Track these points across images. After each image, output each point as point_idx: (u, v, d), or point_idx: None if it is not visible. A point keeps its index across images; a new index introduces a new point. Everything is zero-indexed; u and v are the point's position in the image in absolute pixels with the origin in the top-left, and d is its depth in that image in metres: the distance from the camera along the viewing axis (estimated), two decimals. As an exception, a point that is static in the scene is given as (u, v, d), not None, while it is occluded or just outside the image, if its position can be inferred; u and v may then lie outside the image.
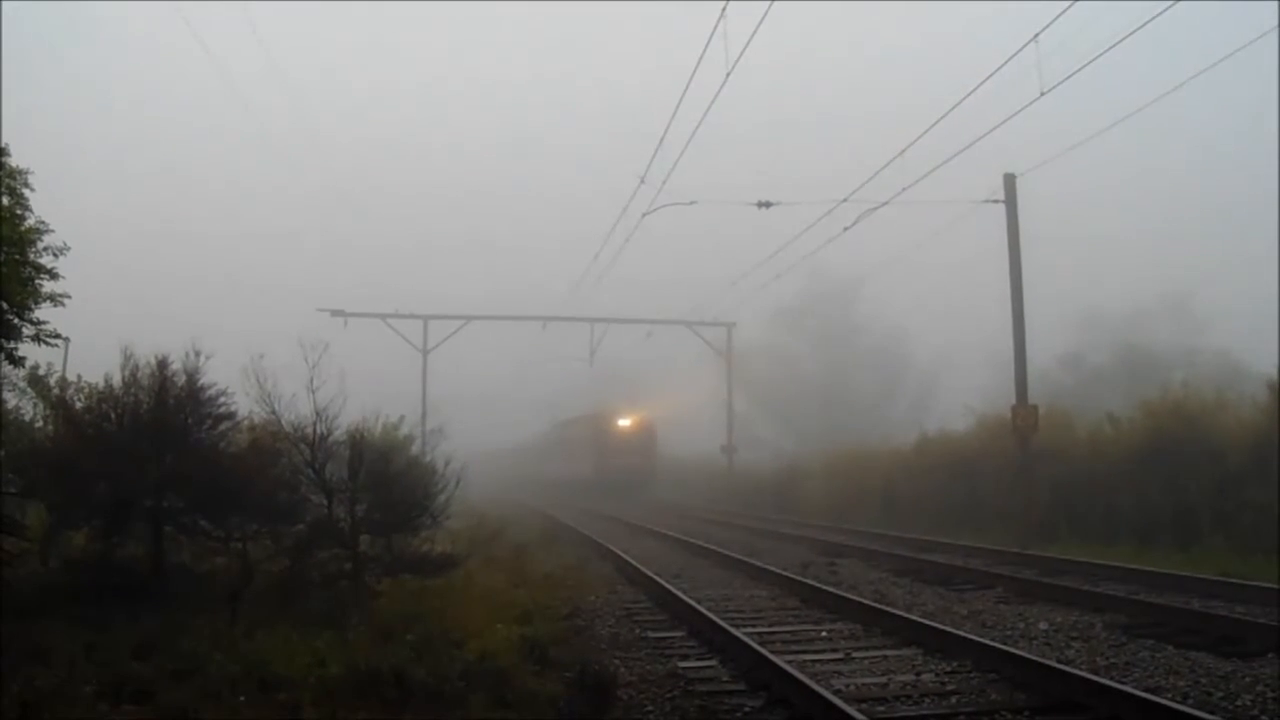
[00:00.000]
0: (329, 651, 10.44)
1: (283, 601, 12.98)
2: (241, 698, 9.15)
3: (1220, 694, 9.97)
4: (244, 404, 15.09)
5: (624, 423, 62.85)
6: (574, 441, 67.72)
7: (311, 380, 14.81)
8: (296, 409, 14.93)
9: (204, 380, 14.82)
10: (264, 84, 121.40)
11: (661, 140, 25.35)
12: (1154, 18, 18.22)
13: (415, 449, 18.32)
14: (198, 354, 14.77)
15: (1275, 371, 23.01)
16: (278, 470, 14.77)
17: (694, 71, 20.73)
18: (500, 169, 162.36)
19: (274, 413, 14.95)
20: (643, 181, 27.79)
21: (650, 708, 10.02)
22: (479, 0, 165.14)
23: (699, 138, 24.07)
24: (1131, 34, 18.61)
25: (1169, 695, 9.77)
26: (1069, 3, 18.34)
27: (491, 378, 78.51)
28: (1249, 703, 9.65)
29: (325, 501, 14.73)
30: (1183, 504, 23.38)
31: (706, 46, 19.50)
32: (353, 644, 10.94)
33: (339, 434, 15.19)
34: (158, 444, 14.17)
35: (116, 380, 14.75)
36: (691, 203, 29.78)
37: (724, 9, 18.97)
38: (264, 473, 14.42)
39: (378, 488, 15.02)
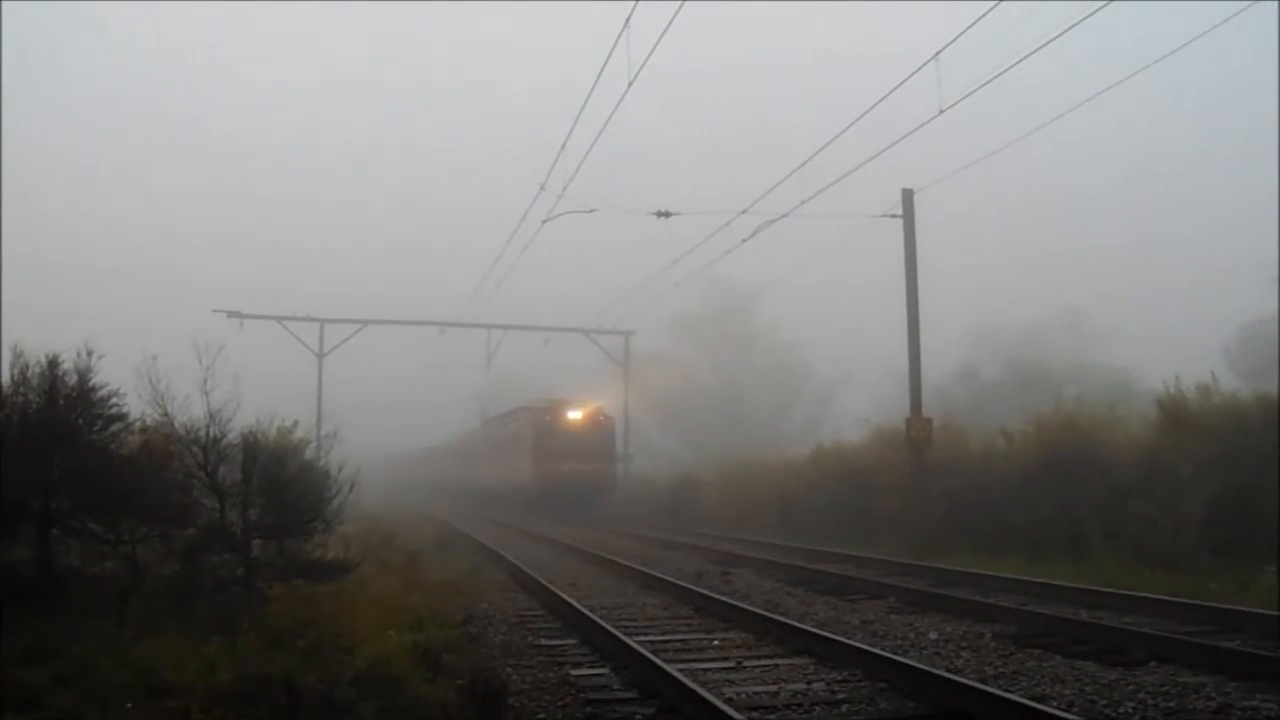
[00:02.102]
0: (219, 657, 10.36)
1: (173, 606, 12.86)
2: (129, 704, 9.06)
3: (1104, 701, 10.17)
4: (136, 405, 14.95)
5: (573, 416, 50.57)
6: (504, 442, 56.56)
7: (205, 382, 14.72)
8: (190, 411, 14.83)
9: (96, 380, 14.66)
10: (162, 78, 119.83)
11: (562, 148, 25.36)
12: (1051, 40, 18.62)
13: (310, 453, 18.15)
14: (90, 353, 14.61)
15: (1164, 388, 23.45)
16: (170, 473, 14.64)
17: (596, 80, 20.79)
18: (399, 174, 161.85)
19: (167, 414, 14.84)
20: (543, 189, 27.75)
21: (542, 715, 10.04)
22: (385, 1, 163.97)
23: (600, 147, 24.13)
24: (1029, 55, 18.97)
25: (1054, 703, 9.95)
26: (969, 23, 18.65)
27: (391, 383, 77.82)
28: (1131, 710, 9.85)
29: (218, 505, 14.64)
30: (1073, 517, 23.73)
31: (609, 56, 19.58)
32: (243, 650, 10.87)
33: (233, 437, 15.09)
34: (47, 445, 13.98)
35: (5, 380, 14.53)
36: (591, 210, 29.78)
37: (628, 19, 19.06)
38: (156, 475, 14.30)
39: (271, 492, 14.95)
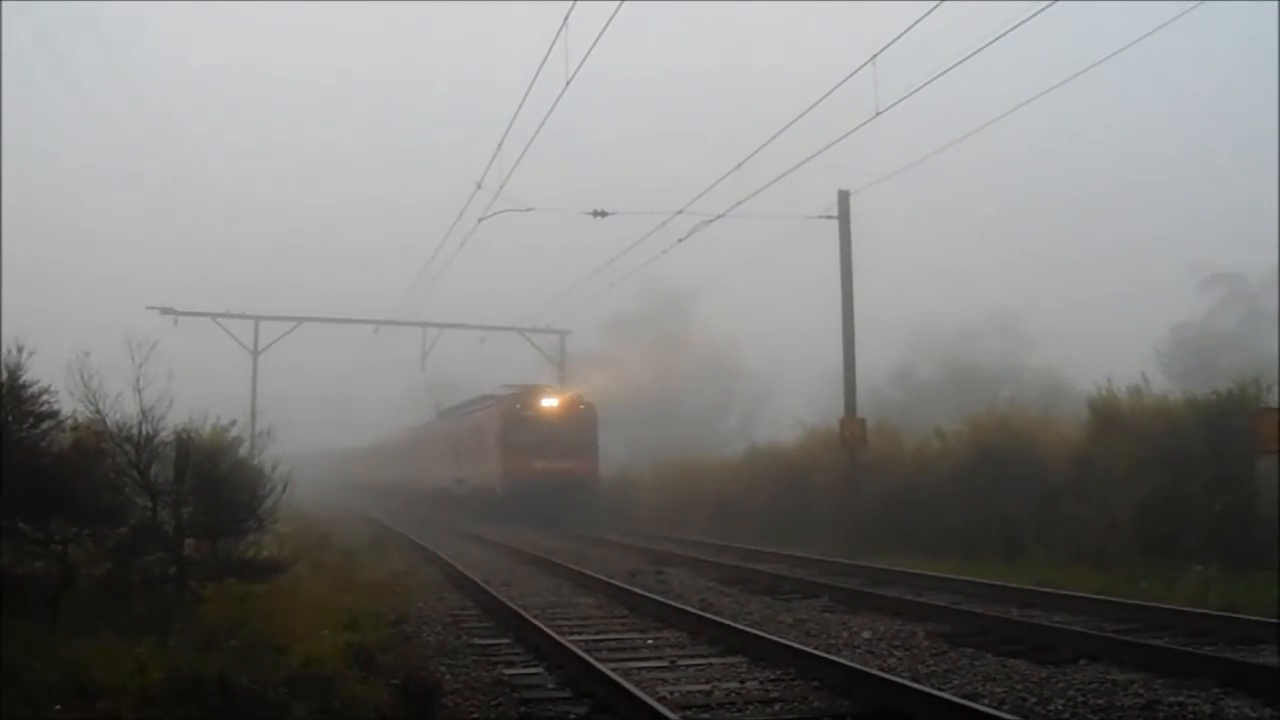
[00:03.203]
0: (151, 657, 10.26)
1: (105, 606, 12.73)
2: (58, 707, 8.97)
3: (1035, 699, 10.30)
4: (68, 403, 14.77)
5: (549, 404, 44.48)
6: (464, 436, 50.82)
7: (138, 379, 14.57)
8: (122, 409, 14.67)
9: (26, 377, 14.48)
10: (89, 63, 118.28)
11: (499, 146, 25.29)
12: (986, 45, 18.77)
13: (244, 451, 18.02)
14: (20, 350, 14.42)
15: (1097, 390, 23.71)
16: (101, 471, 14.48)
17: (533, 79, 20.75)
18: (335, 170, 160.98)
19: (99, 412, 14.65)
20: (479, 187, 27.64)
21: (475, 715, 10.06)
22: (320, 1, 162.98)
23: (538, 146, 24.08)
24: (966, 59, 19.12)
25: (986, 701, 10.08)
26: (906, 27, 18.76)
27: (326, 381, 77.27)
28: (1061, 707, 9.99)
29: (150, 504, 14.48)
30: (1006, 516, 23.96)
31: (547, 55, 19.56)
32: (175, 650, 10.78)
33: (166, 435, 14.96)
34: (-26, 443, 13.80)
35: (-69, 376, 14.33)
36: (528, 209, 29.70)
37: (566, 19, 19.05)
38: (87, 474, 14.12)
39: (204, 490, 14.81)
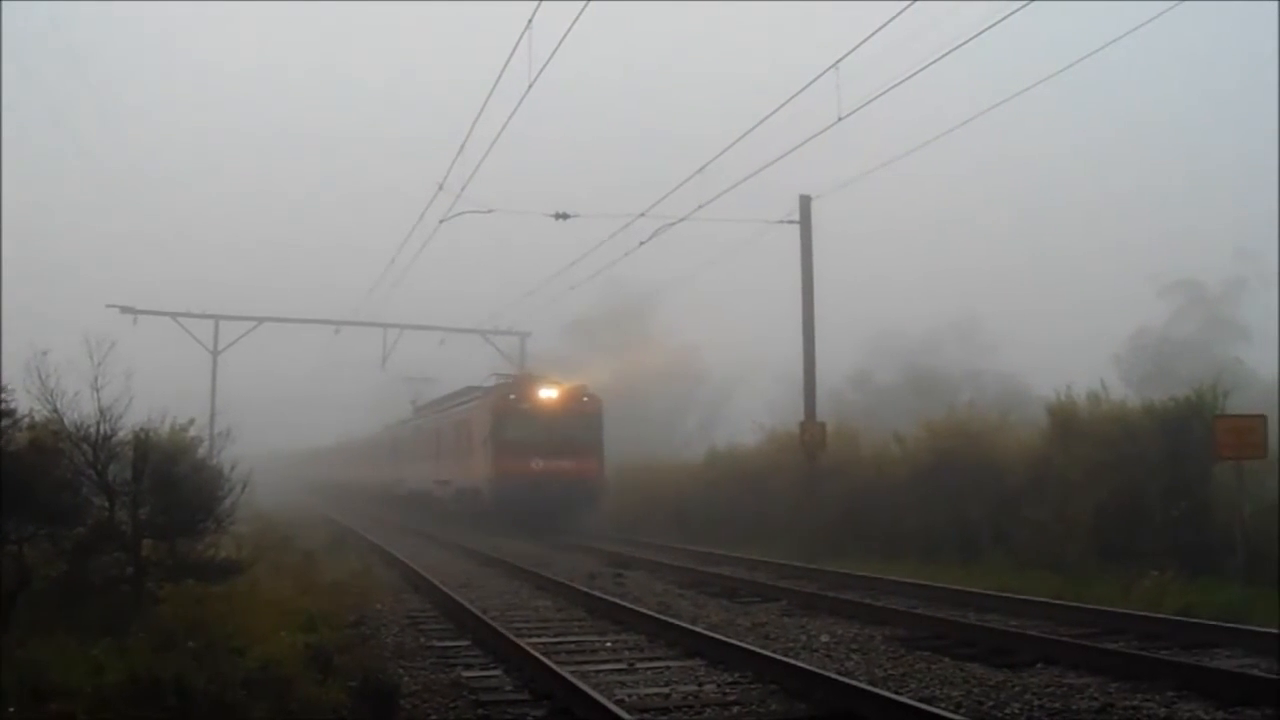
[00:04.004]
0: (107, 659, 10.23)
1: (61, 607, 12.65)
2: (11, 709, 8.91)
3: (991, 703, 10.39)
4: (25, 401, 14.68)
5: (547, 396, 38.97)
6: (447, 433, 45.63)
7: (96, 378, 14.49)
8: (80, 408, 14.58)
9: (-18, 376, 14.39)
10: (58, 63, 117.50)
11: (461, 148, 25.23)
12: (946, 54, 18.87)
13: (203, 451, 17.93)
14: (-26, 348, 14.34)
15: (1054, 395, 23.84)
16: (59, 471, 14.38)
17: (496, 80, 20.73)
18: (297, 170, 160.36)
19: (56, 411, 14.56)
20: (441, 188, 27.57)
21: (434, 717, 10.07)
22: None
23: (500, 147, 24.03)
24: (929, 65, 19.22)
25: (943, 705, 10.16)
26: (869, 34, 18.84)
27: (287, 381, 76.95)
28: (1017, 710, 10.09)
29: (107, 504, 14.40)
30: (964, 520, 24.08)
31: (510, 56, 19.56)
32: (132, 651, 10.73)
33: (124, 434, 14.87)
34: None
35: (-114, 375, 14.23)
36: (489, 211, 29.69)
37: (530, 20, 19.05)
38: (44, 473, 14.02)
39: (162, 490, 14.72)
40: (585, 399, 39.60)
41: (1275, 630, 13.18)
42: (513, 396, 38.94)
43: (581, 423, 38.79)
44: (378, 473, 58.97)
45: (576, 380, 40.50)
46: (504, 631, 13.90)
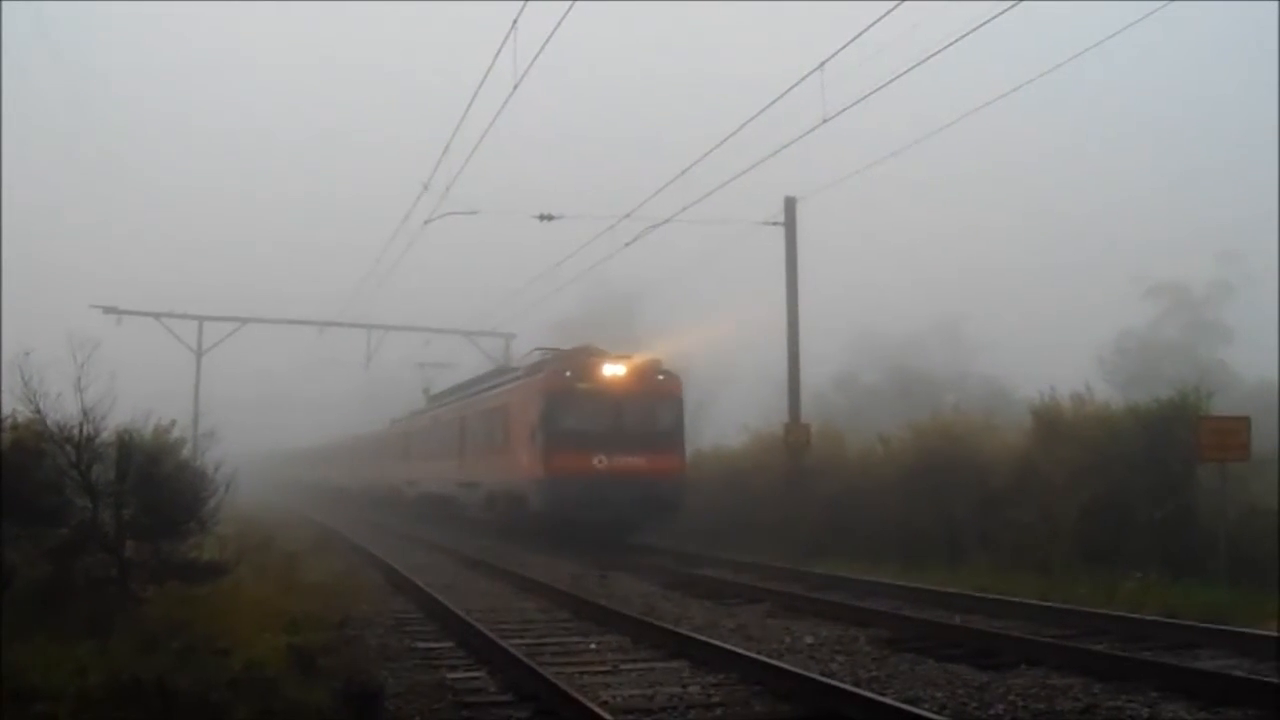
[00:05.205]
0: (90, 660, 10.21)
1: (44, 608, 12.61)
2: (-7, 709, 8.90)
3: (975, 704, 10.41)
4: (7, 401, 14.65)
5: (613, 374, 30.34)
6: (475, 423, 37.36)
7: (79, 379, 14.45)
8: (63, 408, 14.55)
9: (-37, 376, 14.35)
10: (41, 61, 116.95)
11: (446, 149, 25.15)
12: (933, 54, 18.88)
13: (187, 452, 17.89)
14: (-45, 348, 14.30)
15: (1039, 397, 23.87)
16: (41, 472, 14.35)
17: (481, 81, 20.69)
18: (282, 170, 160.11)
19: (39, 411, 14.52)
20: (426, 189, 27.44)
21: (417, 718, 10.04)
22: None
23: (485, 148, 23.97)
24: (915, 67, 19.23)
25: (927, 706, 10.18)
26: (855, 34, 18.86)
27: (272, 381, 76.75)
28: (1001, 711, 10.12)
29: (90, 505, 14.36)
30: (949, 522, 24.09)
31: (495, 57, 19.52)
32: (116, 652, 10.71)
33: (107, 435, 14.84)
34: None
35: None
36: (474, 212, 29.66)
37: (515, 21, 19.03)
38: (27, 474, 13.99)
39: (146, 491, 14.70)
40: (661, 377, 31.15)
41: (1257, 631, 13.25)
42: (569, 374, 30.46)
43: (658, 407, 30.80)
44: (382, 473, 53.24)
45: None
46: (488, 633, 13.84)
